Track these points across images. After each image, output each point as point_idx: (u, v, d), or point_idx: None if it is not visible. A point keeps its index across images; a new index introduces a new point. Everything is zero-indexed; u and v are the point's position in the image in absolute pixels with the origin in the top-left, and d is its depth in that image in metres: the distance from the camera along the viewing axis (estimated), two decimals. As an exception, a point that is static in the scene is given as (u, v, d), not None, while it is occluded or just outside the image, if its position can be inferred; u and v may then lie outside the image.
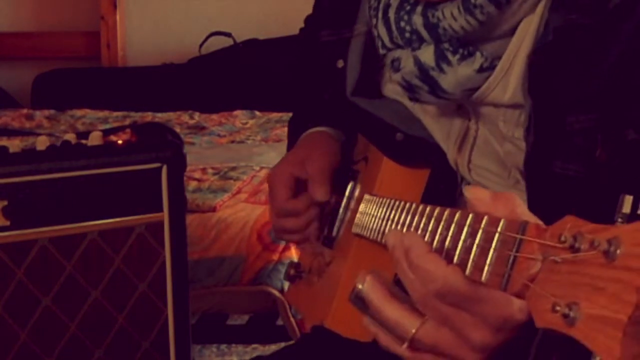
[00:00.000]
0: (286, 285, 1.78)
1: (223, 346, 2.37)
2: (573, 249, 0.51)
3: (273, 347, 2.22)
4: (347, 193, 1.12)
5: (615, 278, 0.48)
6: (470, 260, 0.62)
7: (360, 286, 0.69)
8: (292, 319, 2.14)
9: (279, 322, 2.27)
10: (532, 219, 0.60)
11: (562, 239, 0.52)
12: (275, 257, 2.16)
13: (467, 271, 0.62)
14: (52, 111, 3.49)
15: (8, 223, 1.49)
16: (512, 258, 0.57)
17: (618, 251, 0.48)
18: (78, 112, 3.46)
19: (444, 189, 1.00)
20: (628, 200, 0.54)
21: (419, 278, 0.64)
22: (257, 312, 2.32)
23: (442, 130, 0.99)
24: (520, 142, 0.85)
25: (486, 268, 0.60)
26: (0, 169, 1.48)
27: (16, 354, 1.54)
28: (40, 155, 1.53)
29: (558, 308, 0.51)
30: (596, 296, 0.49)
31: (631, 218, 0.54)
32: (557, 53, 0.80)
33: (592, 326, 0.48)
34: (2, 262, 1.50)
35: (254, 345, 2.37)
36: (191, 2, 3.84)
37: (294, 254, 2.12)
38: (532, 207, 0.83)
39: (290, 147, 1.21)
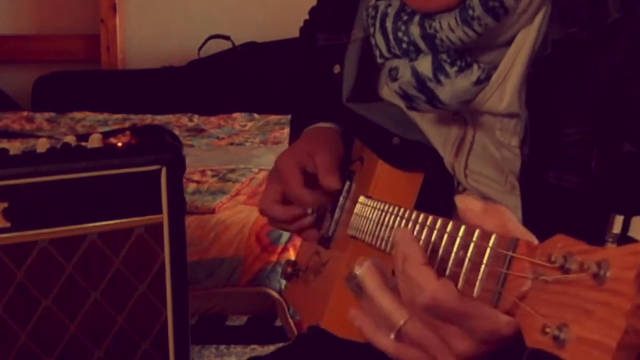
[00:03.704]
0: (284, 285, 1.79)
1: (222, 347, 2.38)
2: (563, 269, 0.52)
3: (272, 348, 2.22)
4: (343, 193, 1.12)
5: (604, 301, 0.48)
6: (462, 274, 0.62)
7: (357, 270, 0.70)
8: (290, 320, 2.15)
9: (278, 323, 2.27)
10: (523, 233, 0.60)
11: (553, 259, 0.53)
12: (274, 258, 2.17)
13: (459, 285, 0.62)
14: (52, 114, 3.49)
15: (8, 225, 1.49)
16: (503, 275, 0.58)
17: (607, 274, 0.48)
18: (78, 115, 3.47)
19: (439, 193, 1.00)
20: (618, 220, 0.54)
21: (409, 288, 0.65)
22: (256, 313, 2.32)
23: (439, 135, 0.99)
24: (517, 149, 0.85)
25: (478, 284, 0.60)
26: (1, 171, 1.49)
27: (16, 354, 1.54)
28: (40, 158, 1.53)
29: (548, 330, 0.51)
30: (586, 319, 0.49)
31: (621, 239, 0.54)
32: (555, 66, 0.80)
33: (581, 349, 0.49)
34: (2, 263, 1.50)
35: (252, 346, 2.37)
36: (190, 6, 3.85)
37: (292, 255, 2.13)
38: (527, 217, 0.83)
39: (293, 140, 1.20)
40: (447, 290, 0.62)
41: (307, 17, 1.25)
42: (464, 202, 0.65)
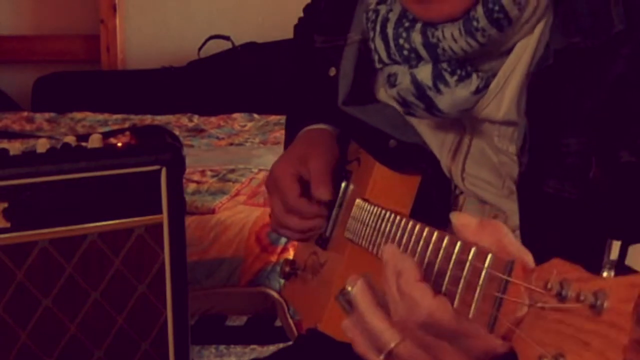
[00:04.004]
0: (282, 282, 1.79)
1: (222, 347, 2.38)
2: (560, 296, 0.51)
3: (271, 348, 2.23)
4: (340, 193, 1.12)
5: (601, 333, 0.48)
6: (458, 293, 0.62)
7: (349, 288, 0.69)
8: (290, 320, 2.15)
9: (277, 323, 2.28)
10: (519, 249, 0.60)
11: (549, 285, 0.52)
12: (274, 258, 2.17)
13: (455, 304, 0.62)
14: (52, 114, 3.49)
15: (9, 225, 1.49)
16: (498, 299, 0.57)
17: (604, 305, 0.48)
18: (78, 115, 3.47)
19: (436, 196, 1.00)
20: (616, 246, 0.52)
21: (404, 304, 0.64)
22: (256, 313, 2.32)
23: (436, 138, 0.98)
24: (515, 156, 0.85)
25: (473, 305, 0.59)
26: (1, 171, 1.49)
27: (16, 354, 1.54)
28: (40, 158, 1.53)
29: None
30: (582, 350, 0.48)
31: (618, 267, 0.52)
32: (556, 76, 0.80)
33: None
34: (2, 263, 1.50)
35: (252, 346, 2.37)
36: (190, 6, 3.85)
37: (291, 256, 2.13)
38: (524, 225, 0.83)
39: (288, 143, 1.20)
40: (444, 309, 0.62)
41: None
42: (459, 219, 0.65)
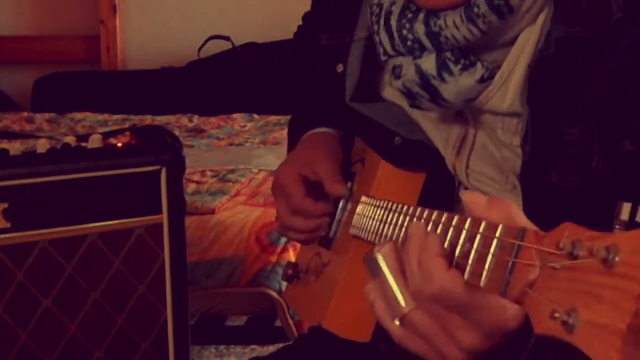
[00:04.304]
0: (284, 285, 1.79)
1: (222, 347, 2.38)
2: (571, 256, 0.51)
3: (271, 348, 2.23)
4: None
5: (614, 286, 0.48)
6: (469, 265, 0.62)
7: (376, 251, 0.70)
8: (290, 320, 2.15)
9: (277, 323, 2.28)
10: (529, 225, 0.61)
11: (561, 245, 0.52)
12: (274, 258, 2.17)
13: (465, 277, 0.62)
14: (52, 114, 3.50)
15: (9, 225, 1.49)
16: (511, 264, 0.58)
17: (616, 259, 0.48)
18: (78, 115, 3.47)
19: (440, 192, 1.00)
20: (626, 207, 0.53)
21: (420, 276, 0.65)
22: (256, 314, 2.32)
23: (440, 135, 0.99)
24: (518, 149, 0.86)
25: (484, 274, 0.60)
26: (1, 171, 1.49)
27: (16, 354, 1.54)
28: (40, 158, 1.53)
29: (557, 315, 0.51)
30: (595, 304, 0.49)
31: (629, 225, 0.53)
32: (557, 65, 0.80)
33: (591, 333, 0.48)
34: (2, 263, 1.51)
35: (252, 346, 2.38)
36: (190, 6, 3.85)
37: (292, 256, 2.13)
38: (528, 216, 0.84)
39: (291, 147, 1.20)
40: (455, 281, 0.63)
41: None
42: (469, 197, 0.66)
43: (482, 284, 0.60)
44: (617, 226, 0.53)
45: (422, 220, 0.73)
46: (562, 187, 0.80)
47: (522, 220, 0.61)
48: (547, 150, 0.81)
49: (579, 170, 0.79)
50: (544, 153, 0.81)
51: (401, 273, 0.68)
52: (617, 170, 0.77)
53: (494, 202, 0.64)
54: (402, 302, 0.67)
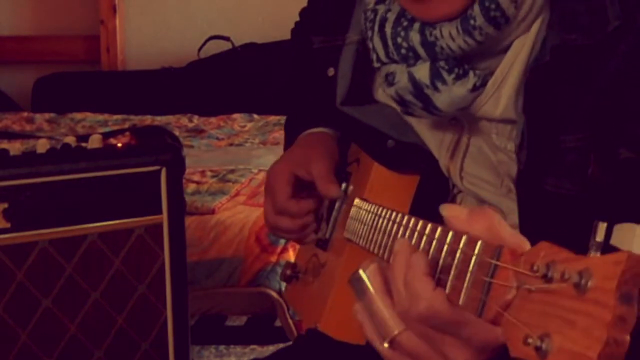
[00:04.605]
0: (284, 285, 1.79)
1: (222, 347, 2.38)
2: (546, 278, 0.51)
3: (271, 348, 2.23)
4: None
5: (586, 312, 0.48)
6: (449, 281, 0.62)
7: (361, 271, 0.70)
8: (289, 320, 2.15)
9: (277, 323, 2.28)
10: (513, 235, 0.60)
11: (535, 267, 0.52)
12: (274, 258, 2.17)
13: (447, 291, 0.62)
14: (52, 114, 3.49)
15: (9, 225, 1.50)
16: (487, 284, 0.58)
17: (589, 284, 0.48)
18: (78, 116, 3.47)
19: (434, 195, 1.00)
20: (602, 227, 0.53)
21: (406, 296, 0.65)
22: (256, 314, 2.32)
23: (434, 138, 0.98)
24: (513, 153, 0.86)
25: (463, 291, 0.60)
26: (1, 171, 1.49)
27: (16, 354, 1.54)
28: (40, 158, 1.53)
29: (530, 340, 0.51)
30: (567, 329, 0.49)
31: (604, 248, 0.53)
32: (553, 73, 0.80)
33: None
34: (2, 263, 1.51)
35: (252, 346, 2.38)
36: (190, 6, 3.85)
37: (291, 256, 2.13)
38: (523, 222, 0.84)
39: (287, 146, 1.20)
40: (442, 300, 0.62)
41: (303, 18, 1.25)
42: (449, 211, 0.65)
43: (461, 301, 0.60)
44: (592, 247, 0.52)
45: (408, 231, 0.72)
46: (558, 194, 0.80)
47: (505, 231, 0.61)
48: (543, 157, 0.81)
49: (575, 178, 0.79)
50: (540, 161, 0.81)
51: (387, 293, 0.68)
52: (614, 178, 0.77)
53: (475, 214, 0.63)
54: (390, 324, 0.67)
